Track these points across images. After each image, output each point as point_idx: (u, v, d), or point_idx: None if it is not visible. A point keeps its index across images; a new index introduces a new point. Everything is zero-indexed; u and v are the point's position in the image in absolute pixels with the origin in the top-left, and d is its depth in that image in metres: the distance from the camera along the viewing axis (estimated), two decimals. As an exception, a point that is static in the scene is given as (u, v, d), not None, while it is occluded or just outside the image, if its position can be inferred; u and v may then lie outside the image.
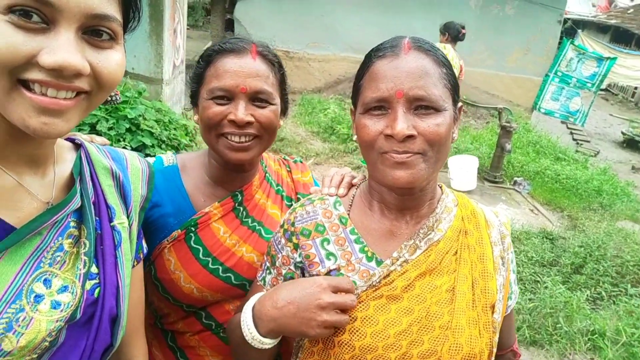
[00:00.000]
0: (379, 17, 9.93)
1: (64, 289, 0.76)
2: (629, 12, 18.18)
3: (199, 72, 1.18)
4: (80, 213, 0.81)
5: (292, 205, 1.26)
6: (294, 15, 9.78)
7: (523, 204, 6.24)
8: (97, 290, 0.81)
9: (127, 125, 4.06)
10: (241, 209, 1.26)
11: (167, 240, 1.19)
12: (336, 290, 0.93)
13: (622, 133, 11.70)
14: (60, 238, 0.78)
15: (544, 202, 6.41)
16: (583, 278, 4.35)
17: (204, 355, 1.27)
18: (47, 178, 0.79)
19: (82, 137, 1.02)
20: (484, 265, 1.01)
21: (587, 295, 4.01)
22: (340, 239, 1.03)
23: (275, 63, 1.20)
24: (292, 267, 1.06)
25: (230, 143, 1.14)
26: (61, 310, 0.75)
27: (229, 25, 10.54)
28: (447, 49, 5.37)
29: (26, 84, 0.62)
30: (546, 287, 4.02)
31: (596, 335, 3.56)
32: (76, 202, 0.80)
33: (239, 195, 1.26)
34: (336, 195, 1.10)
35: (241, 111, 1.11)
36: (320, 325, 0.90)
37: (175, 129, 4.76)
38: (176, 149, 4.53)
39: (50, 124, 0.64)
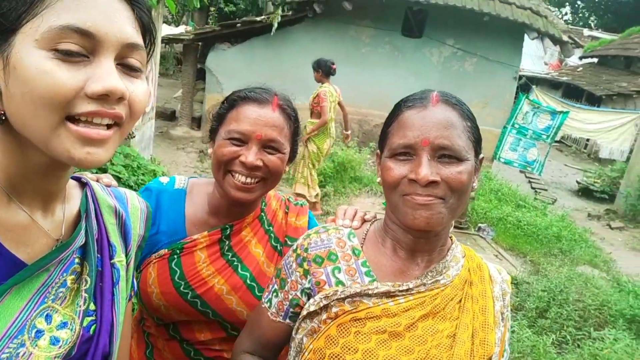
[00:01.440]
0: (349, 70, 10.30)
1: (63, 325, 0.76)
2: (578, 69, 19.54)
3: (222, 112, 1.28)
4: (84, 250, 0.82)
5: (277, 247, 1.33)
6: (265, 67, 10.03)
7: (487, 250, 6.39)
8: (92, 327, 0.81)
9: (94, 170, 4.01)
10: (226, 242, 1.31)
11: (155, 256, 1.27)
12: None
13: (577, 182, 12.26)
14: (65, 274, 0.78)
15: (507, 247, 6.58)
16: (548, 322, 4.43)
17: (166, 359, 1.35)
18: (57, 215, 0.80)
19: (88, 175, 1.04)
20: (485, 318, 1.04)
21: (553, 339, 4.08)
22: (351, 269, 1.05)
23: (292, 117, 1.30)
24: (298, 293, 1.08)
25: (235, 182, 1.22)
26: (59, 347, 0.74)
27: (201, 74, 10.71)
28: (325, 85, 5.88)
29: (72, 119, 0.64)
30: (513, 332, 4.07)
31: (563, 379, 3.60)
32: (81, 239, 0.81)
33: (228, 228, 1.31)
34: (350, 227, 1.14)
35: (252, 155, 1.20)
36: None
37: (143, 174, 4.73)
38: (144, 195, 4.48)
39: (94, 154, 0.66)
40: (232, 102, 1.27)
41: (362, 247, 1.10)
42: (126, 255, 0.92)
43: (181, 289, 1.25)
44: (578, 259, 6.46)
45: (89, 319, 0.81)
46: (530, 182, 11.68)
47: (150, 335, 1.38)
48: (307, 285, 1.07)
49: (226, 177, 1.24)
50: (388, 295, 1.00)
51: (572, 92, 17.66)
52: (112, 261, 0.87)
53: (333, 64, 5.87)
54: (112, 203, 0.92)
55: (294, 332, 1.10)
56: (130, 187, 4.36)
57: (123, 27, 0.67)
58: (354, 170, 8.01)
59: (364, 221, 1.19)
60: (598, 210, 10.43)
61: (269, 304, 1.13)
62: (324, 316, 1.02)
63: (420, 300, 1.00)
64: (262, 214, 1.38)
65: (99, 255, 0.85)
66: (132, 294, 1.01)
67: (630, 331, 4.43)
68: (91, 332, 0.81)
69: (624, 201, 9.98)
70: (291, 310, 1.10)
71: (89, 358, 0.80)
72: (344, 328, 0.99)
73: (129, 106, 0.70)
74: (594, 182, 11.92)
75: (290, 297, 1.09)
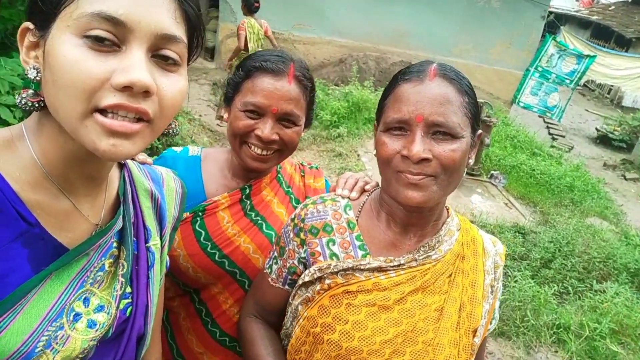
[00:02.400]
0: (365, 4, 9.86)
1: (100, 308, 0.78)
2: (610, 8, 18.48)
3: (237, 81, 1.26)
4: (121, 234, 0.83)
5: None
6: (280, -5, 9.64)
7: (498, 197, 6.40)
8: (129, 310, 0.83)
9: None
10: (247, 201, 1.33)
11: None
12: None
13: (597, 129, 12.01)
14: (103, 258, 0.79)
15: (518, 196, 6.58)
16: (551, 273, 4.52)
17: (189, 343, 1.34)
18: (98, 200, 0.80)
19: None
20: (474, 292, 1.06)
21: (555, 289, 4.17)
22: (345, 242, 1.08)
23: (308, 87, 1.27)
24: (295, 262, 1.11)
25: (252, 153, 1.23)
26: (96, 330, 0.76)
27: (214, 1, 10.31)
28: (248, 18, 6.11)
29: (101, 110, 0.63)
30: (516, 281, 4.17)
31: (561, 329, 3.73)
32: (119, 224, 0.82)
33: (247, 188, 1.33)
34: (348, 197, 1.15)
35: (268, 129, 1.20)
36: None
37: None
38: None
39: (119, 146, 0.65)
40: (248, 71, 1.24)
41: (357, 219, 1.11)
42: (161, 238, 0.93)
43: (208, 249, 1.26)
44: (588, 210, 6.46)
45: (125, 301, 0.83)
46: (548, 127, 11.46)
47: (171, 314, 1.37)
48: (303, 255, 1.10)
49: (242, 147, 1.24)
50: (380, 269, 1.03)
51: (602, 33, 16.83)
52: (147, 245, 0.88)
53: (257, 1, 6.13)
54: (148, 186, 0.92)
55: (290, 298, 1.14)
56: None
57: (159, 16, 0.64)
58: (369, 111, 7.86)
59: (363, 191, 1.19)
60: (614, 159, 10.29)
61: (269, 269, 1.17)
62: (318, 287, 1.06)
63: (411, 275, 1.03)
64: (279, 175, 1.40)
65: (135, 239, 0.86)
66: (165, 270, 1.03)
67: (633, 285, 4.52)
68: (127, 314, 0.83)
69: (642, 152, 9.81)
70: (289, 277, 1.14)
71: (125, 339, 0.83)
72: (336, 299, 1.03)
73: (159, 102, 0.67)
74: (614, 130, 11.66)
75: (288, 264, 1.13)
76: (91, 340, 0.76)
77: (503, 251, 1.16)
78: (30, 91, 0.67)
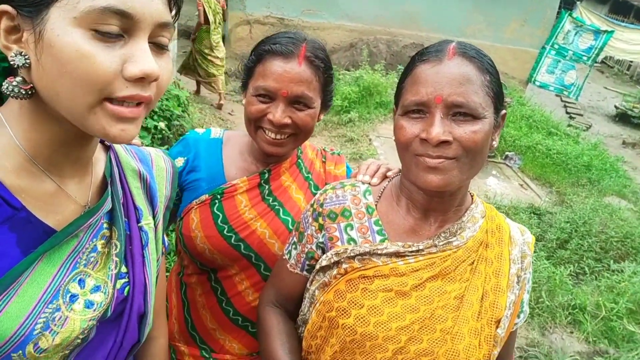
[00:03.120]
0: (376, -16, 9.72)
1: (96, 288, 0.80)
2: (629, -18, 17.87)
3: (250, 66, 1.26)
4: (111, 215, 0.84)
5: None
6: (289, -19, 9.56)
7: (513, 179, 6.32)
8: (126, 289, 0.85)
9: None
10: (266, 186, 1.33)
11: (196, 202, 1.30)
12: None
13: (615, 107, 11.73)
14: (94, 239, 0.81)
15: (534, 177, 6.49)
16: (567, 253, 4.46)
17: (204, 319, 1.37)
18: (85, 181, 0.81)
19: None
20: (497, 280, 1.02)
21: (570, 270, 4.12)
22: (363, 226, 1.06)
23: (321, 68, 1.24)
24: (314, 247, 1.10)
25: (266, 137, 1.23)
26: (94, 310, 0.78)
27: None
28: None
29: (109, 99, 0.65)
30: (531, 262, 4.12)
31: (577, 310, 3.69)
32: (108, 204, 0.82)
33: (266, 173, 1.33)
34: (369, 183, 1.14)
35: (279, 113, 1.19)
36: None
37: (167, 99, 4.72)
38: (168, 120, 4.51)
39: (127, 130, 0.68)
40: (259, 55, 1.23)
41: (376, 205, 1.09)
42: (154, 217, 0.94)
43: (225, 232, 1.27)
44: (606, 189, 6.34)
45: (122, 281, 0.84)
46: (565, 106, 11.22)
47: (189, 289, 1.40)
48: (321, 240, 1.09)
49: (257, 132, 1.25)
50: (397, 255, 1.01)
51: (621, 7, 16.30)
52: (139, 225, 0.89)
53: None
54: (136, 166, 0.93)
55: (308, 284, 1.13)
56: (155, 113, 4.37)
57: (157, 6, 0.67)
58: (380, 95, 7.79)
59: (384, 178, 1.17)
60: (634, 137, 10.05)
61: (288, 255, 1.17)
62: (335, 271, 1.04)
63: (430, 262, 1.00)
64: (299, 160, 1.40)
65: (126, 220, 0.87)
66: (164, 250, 1.05)
67: (651, 264, 4.44)
68: (125, 293, 0.84)
69: (663, 128, 9.56)
70: (307, 263, 1.13)
71: (125, 318, 0.84)
72: (352, 284, 1.01)
73: (156, 85, 0.70)
74: (633, 107, 11.37)
75: (307, 250, 1.12)
76: (90, 320, 0.77)
77: (532, 240, 1.11)
78: (19, 78, 0.66)
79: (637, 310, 3.67)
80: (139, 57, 0.64)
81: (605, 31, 9.87)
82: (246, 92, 1.27)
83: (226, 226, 1.27)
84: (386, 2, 9.67)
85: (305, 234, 1.12)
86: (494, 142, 0.98)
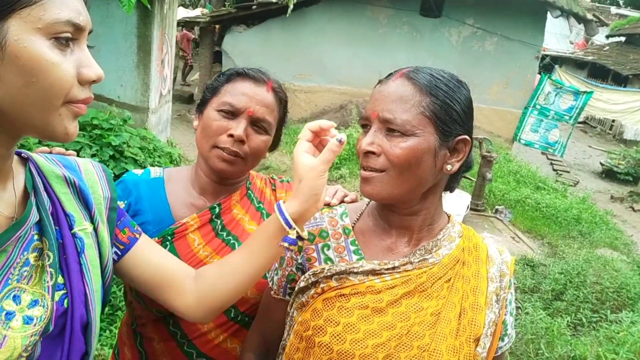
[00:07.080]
0: (364, 51, 10.22)
1: (34, 303, 0.76)
2: (604, 49, 18.93)
3: (216, 84, 1.30)
4: (40, 225, 0.81)
5: None
6: (281, 48, 10.01)
7: (505, 232, 6.33)
8: (65, 301, 0.81)
9: (111, 152, 4.09)
10: (218, 221, 1.30)
11: None
12: None
13: (601, 164, 11.99)
14: (25, 252, 0.78)
15: (525, 229, 6.51)
16: (563, 304, 4.39)
17: None
18: (8, 193, 0.79)
19: (56, 149, 1.06)
20: (475, 298, 1.03)
21: (568, 321, 4.03)
22: (340, 246, 1.08)
23: (283, 102, 1.33)
24: (294, 269, 1.11)
25: (221, 154, 1.24)
26: (34, 325, 0.74)
27: (217, 57, 10.74)
28: None
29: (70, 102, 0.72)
30: (527, 314, 4.04)
31: (577, 361, 3.58)
32: (34, 215, 0.80)
33: (217, 207, 1.31)
34: (329, 204, 1.21)
35: (241, 129, 1.22)
36: None
37: (159, 156, 4.79)
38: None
39: (76, 127, 0.75)
40: (229, 76, 1.29)
41: (353, 226, 1.12)
42: (92, 221, 0.90)
43: None
44: (598, 241, 6.35)
45: (60, 292, 0.81)
46: (552, 164, 11.47)
47: (145, 339, 1.32)
48: (300, 261, 1.10)
49: (212, 150, 1.25)
50: (374, 272, 1.02)
51: (598, 72, 17.15)
52: (72, 231, 0.86)
53: None
54: (60, 172, 0.90)
55: (288, 308, 1.12)
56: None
57: (87, 15, 0.74)
58: (370, 152, 7.96)
59: (342, 201, 1.25)
60: (621, 192, 10.20)
61: (271, 282, 1.17)
62: (312, 291, 1.05)
63: (406, 278, 1.01)
64: (249, 192, 1.39)
65: (57, 228, 0.84)
66: (138, 236, 1.01)
67: (649, 314, 4.36)
68: (65, 305, 0.80)
69: (648, 183, 9.74)
70: (288, 286, 1.13)
71: (68, 330, 0.80)
72: (329, 302, 1.01)
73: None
74: (618, 163, 11.63)
75: (287, 272, 1.12)
76: (32, 336, 0.73)
77: (511, 261, 1.12)
78: None
79: (638, 359, 3.57)
80: (91, 61, 0.72)
81: (585, 92, 10.31)
82: (201, 115, 1.30)
83: None
84: (373, 66, 10.08)
85: (286, 257, 1.13)
86: (447, 166, 1.01)
